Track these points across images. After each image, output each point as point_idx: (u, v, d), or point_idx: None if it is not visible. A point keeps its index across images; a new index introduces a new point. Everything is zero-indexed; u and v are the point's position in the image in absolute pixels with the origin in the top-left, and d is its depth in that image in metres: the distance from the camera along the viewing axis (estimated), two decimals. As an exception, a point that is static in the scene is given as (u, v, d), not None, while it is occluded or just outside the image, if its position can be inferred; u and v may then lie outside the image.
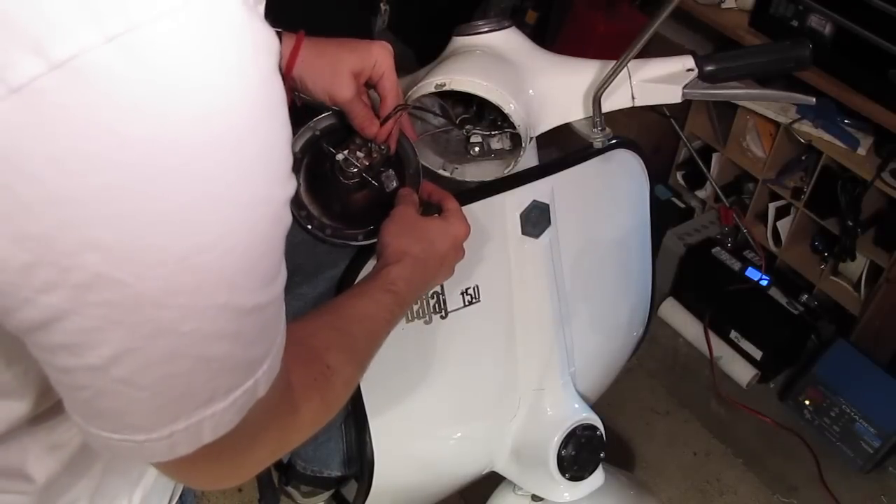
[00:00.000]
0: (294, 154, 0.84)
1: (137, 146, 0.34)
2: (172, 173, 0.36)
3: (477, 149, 0.93)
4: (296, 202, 0.85)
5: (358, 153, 0.86)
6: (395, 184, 0.88)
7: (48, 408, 0.52)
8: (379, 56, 0.82)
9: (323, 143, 0.87)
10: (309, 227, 0.86)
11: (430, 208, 0.88)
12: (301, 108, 0.87)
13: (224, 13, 0.36)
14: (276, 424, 0.53)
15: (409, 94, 0.87)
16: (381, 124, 0.84)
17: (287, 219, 0.43)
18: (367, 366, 0.72)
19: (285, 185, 0.42)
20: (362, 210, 0.89)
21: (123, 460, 0.54)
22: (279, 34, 0.81)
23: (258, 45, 0.38)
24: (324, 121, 0.86)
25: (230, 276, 0.39)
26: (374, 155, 0.87)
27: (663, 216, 2.29)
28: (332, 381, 0.61)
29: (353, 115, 0.83)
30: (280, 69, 0.80)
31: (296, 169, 0.84)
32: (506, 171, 0.92)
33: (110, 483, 0.63)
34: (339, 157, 0.86)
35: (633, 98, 0.91)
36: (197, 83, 0.35)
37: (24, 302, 0.36)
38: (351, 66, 0.82)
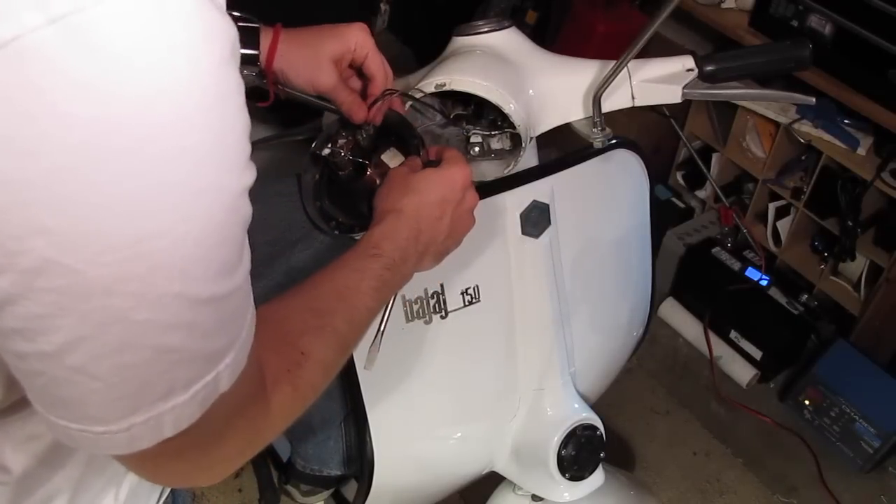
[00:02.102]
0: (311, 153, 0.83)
1: (83, 128, 0.34)
2: (119, 156, 0.35)
3: (477, 149, 0.93)
4: (319, 210, 0.84)
5: (339, 140, 0.83)
6: (401, 160, 0.84)
7: (19, 399, 0.52)
8: (358, 38, 0.81)
9: (312, 145, 0.85)
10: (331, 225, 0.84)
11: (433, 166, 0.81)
12: (286, 102, 0.86)
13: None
14: (245, 419, 0.52)
15: (409, 93, 0.87)
16: (370, 108, 0.82)
17: (245, 210, 0.42)
18: (354, 344, 0.67)
19: (241, 174, 0.41)
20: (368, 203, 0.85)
21: (87, 451, 0.53)
22: (256, 29, 0.80)
23: (211, 32, 0.38)
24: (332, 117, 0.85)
25: (183, 265, 0.39)
26: (358, 136, 0.83)
27: (663, 216, 2.29)
28: (306, 368, 0.58)
29: (339, 101, 0.81)
30: (259, 64, 0.79)
31: (309, 167, 0.84)
32: (506, 171, 0.92)
33: (93, 477, 0.62)
34: (325, 151, 0.83)
35: (633, 98, 0.91)
36: (142, 64, 0.35)
37: None
38: (331, 53, 0.81)
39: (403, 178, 0.75)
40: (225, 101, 0.39)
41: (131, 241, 0.37)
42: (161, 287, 0.38)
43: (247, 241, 0.44)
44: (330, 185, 0.85)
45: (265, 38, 0.81)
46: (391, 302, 0.81)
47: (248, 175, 0.42)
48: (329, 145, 0.83)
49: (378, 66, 0.82)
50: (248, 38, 0.80)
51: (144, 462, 0.47)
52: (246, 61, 0.80)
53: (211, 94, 0.38)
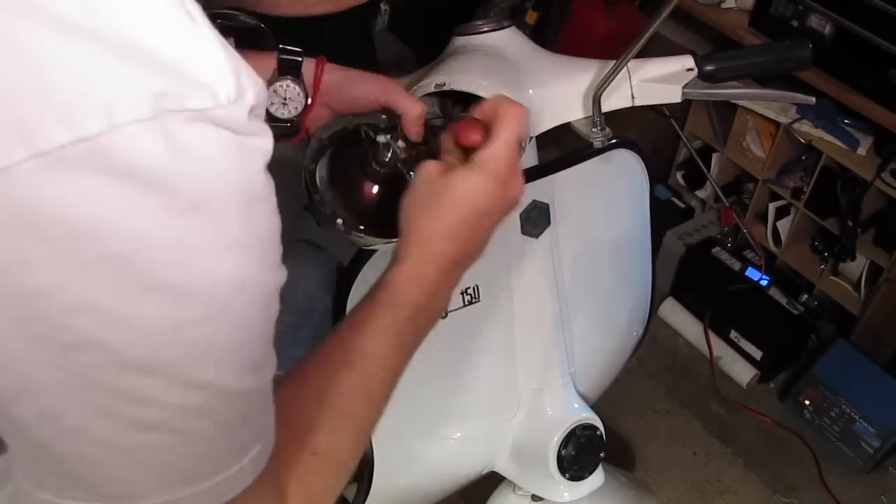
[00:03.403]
0: (321, 140, 0.80)
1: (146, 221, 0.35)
2: (172, 247, 0.36)
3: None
4: (312, 189, 0.80)
5: (400, 142, 0.79)
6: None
7: None
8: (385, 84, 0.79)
9: (363, 127, 0.81)
10: (323, 210, 0.80)
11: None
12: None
13: (207, 135, 0.36)
14: None
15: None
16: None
17: (275, 308, 0.43)
18: (375, 422, 0.61)
19: (276, 272, 0.42)
20: (384, 211, 0.80)
21: None
22: (300, 55, 0.78)
23: (246, 151, 0.39)
24: (361, 118, 0.82)
25: (218, 354, 0.40)
26: (413, 151, 0.80)
27: (663, 216, 2.29)
28: (319, 470, 0.55)
29: (404, 109, 0.77)
30: (306, 92, 0.76)
31: (319, 156, 0.81)
32: (506, 171, 0.91)
33: None
34: (381, 138, 0.78)
35: (632, 98, 0.91)
36: (192, 180, 0.36)
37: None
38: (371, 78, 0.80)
39: (433, 185, 0.63)
40: (263, 203, 0.40)
41: (173, 325, 0.37)
42: (195, 373, 0.39)
43: (272, 341, 0.44)
44: (337, 177, 0.83)
45: (307, 67, 0.79)
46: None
47: (282, 274, 0.43)
48: (388, 136, 0.79)
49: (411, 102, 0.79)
50: (291, 69, 0.77)
51: None
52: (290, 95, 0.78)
53: (253, 194, 0.39)
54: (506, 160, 0.63)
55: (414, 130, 0.77)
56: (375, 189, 0.83)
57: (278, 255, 0.43)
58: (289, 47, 0.77)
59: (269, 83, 0.77)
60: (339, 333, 0.60)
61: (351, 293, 0.89)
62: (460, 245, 0.64)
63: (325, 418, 0.56)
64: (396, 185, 0.78)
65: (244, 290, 0.40)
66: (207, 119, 0.36)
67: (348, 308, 0.89)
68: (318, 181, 0.81)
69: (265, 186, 0.40)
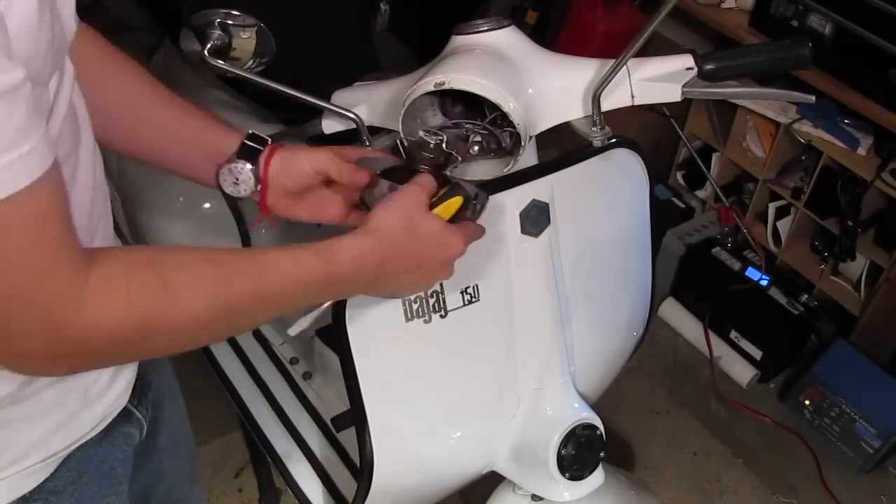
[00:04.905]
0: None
1: None
2: None
3: (476, 148, 0.93)
4: None
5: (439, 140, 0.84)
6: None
7: None
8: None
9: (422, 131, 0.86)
10: None
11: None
12: (287, 102, 0.89)
13: None
14: (39, 298, 0.50)
15: (409, 93, 0.87)
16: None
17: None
18: (244, 321, 0.65)
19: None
20: None
21: None
22: (264, 144, 0.84)
23: None
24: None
25: None
26: (444, 158, 0.84)
27: (663, 216, 2.29)
28: (158, 296, 0.55)
29: (336, 172, 0.83)
30: (257, 177, 0.82)
31: None
32: (505, 170, 0.91)
33: None
34: (422, 133, 0.84)
35: (632, 97, 0.91)
36: None
37: None
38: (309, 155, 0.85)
39: (413, 208, 0.72)
40: None
41: None
42: None
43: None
44: None
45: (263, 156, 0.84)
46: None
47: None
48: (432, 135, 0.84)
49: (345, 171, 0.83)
50: (250, 154, 0.83)
51: None
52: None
53: None
54: (464, 242, 0.75)
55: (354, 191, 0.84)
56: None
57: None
58: (257, 134, 0.83)
59: (227, 161, 0.82)
60: (263, 248, 0.65)
61: (349, 300, 0.89)
62: (396, 263, 0.71)
63: (197, 270, 0.58)
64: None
65: None
66: None
67: (348, 308, 0.89)
68: None
69: None
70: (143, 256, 0.57)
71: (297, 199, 0.87)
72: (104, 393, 0.72)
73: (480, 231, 0.79)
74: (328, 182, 0.86)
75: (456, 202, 0.76)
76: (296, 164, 0.84)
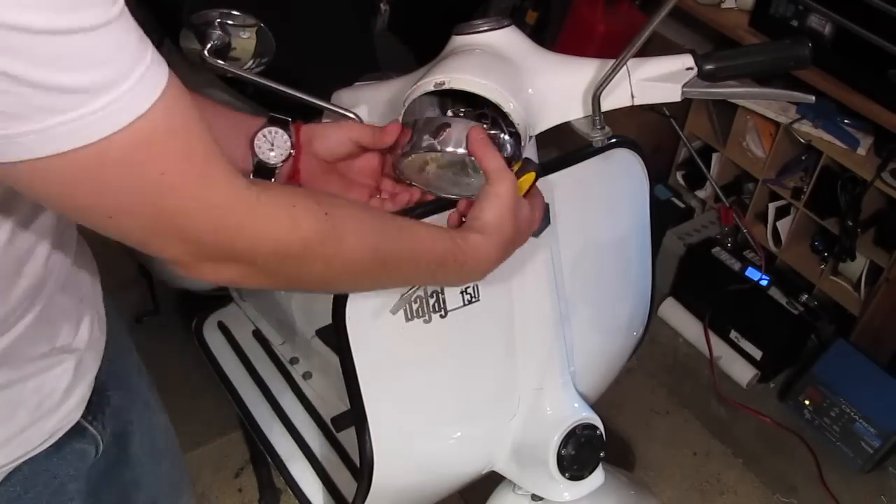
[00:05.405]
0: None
1: None
2: None
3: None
4: None
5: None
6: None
7: None
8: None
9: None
10: None
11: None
12: (287, 102, 0.90)
13: None
14: (209, 203, 0.52)
15: (409, 93, 0.87)
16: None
17: None
18: (383, 277, 0.68)
19: None
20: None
21: None
22: (290, 119, 0.84)
23: None
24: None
25: None
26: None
27: (663, 216, 2.29)
28: (321, 222, 0.59)
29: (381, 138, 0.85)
30: (292, 140, 0.83)
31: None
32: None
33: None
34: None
35: (632, 97, 0.91)
36: None
37: None
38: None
39: (514, 199, 0.76)
40: None
41: None
42: None
43: None
44: None
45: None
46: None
47: None
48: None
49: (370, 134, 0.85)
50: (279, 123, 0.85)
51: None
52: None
53: None
54: (541, 210, 0.81)
55: (387, 140, 0.84)
56: None
57: None
58: (277, 116, 0.84)
59: (259, 129, 0.83)
60: (402, 217, 0.71)
61: (349, 300, 0.89)
62: (506, 251, 0.76)
63: (353, 215, 0.63)
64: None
65: None
66: None
67: (348, 308, 0.89)
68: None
69: None
70: (304, 191, 0.62)
71: (329, 171, 0.87)
72: (56, 408, 0.70)
73: (543, 201, 0.84)
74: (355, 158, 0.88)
75: (530, 178, 0.81)
76: (326, 131, 0.86)
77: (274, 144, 0.82)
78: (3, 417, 0.66)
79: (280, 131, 0.82)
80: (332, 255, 0.61)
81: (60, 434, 0.72)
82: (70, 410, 0.72)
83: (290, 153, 0.83)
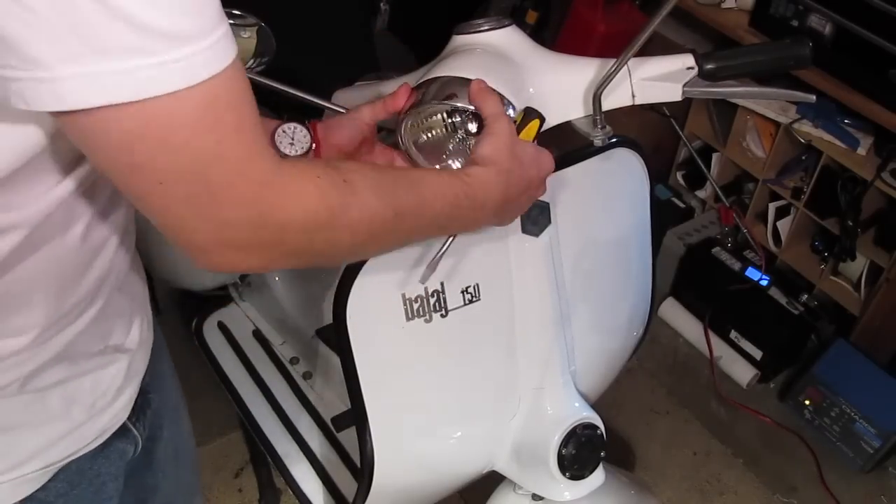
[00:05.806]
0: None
1: None
2: None
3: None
4: None
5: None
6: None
7: None
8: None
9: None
10: None
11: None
12: (287, 102, 0.92)
13: None
14: (252, 179, 0.52)
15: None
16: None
17: None
18: (404, 232, 0.68)
19: None
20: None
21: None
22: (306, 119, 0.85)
23: None
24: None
25: None
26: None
27: (663, 216, 2.29)
28: (343, 190, 0.59)
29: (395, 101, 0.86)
30: (312, 134, 0.83)
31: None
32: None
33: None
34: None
35: (633, 96, 0.91)
36: None
37: None
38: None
39: (512, 138, 0.77)
40: None
41: None
42: None
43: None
44: None
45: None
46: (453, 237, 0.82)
47: None
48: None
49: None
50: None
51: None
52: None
53: None
54: (550, 156, 0.81)
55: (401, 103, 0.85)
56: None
57: None
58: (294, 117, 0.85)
59: (278, 125, 0.84)
60: (409, 167, 0.74)
61: (349, 299, 0.89)
62: (513, 191, 0.76)
63: (370, 176, 0.63)
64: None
65: None
66: None
67: (348, 308, 0.89)
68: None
69: None
70: (321, 161, 0.65)
71: (351, 158, 0.87)
72: (108, 407, 0.72)
73: (551, 150, 0.84)
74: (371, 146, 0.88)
75: (535, 125, 0.83)
76: (341, 121, 0.86)
77: (294, 139, 0.83)
78: (59, 414, 0.67)
79: (299, 126, 0.83)
80: (356, 221, 0.61)
81: (109, 433, 0.73)
82: (119, 410, 0.74)
83: (311, 146, 0.83)
